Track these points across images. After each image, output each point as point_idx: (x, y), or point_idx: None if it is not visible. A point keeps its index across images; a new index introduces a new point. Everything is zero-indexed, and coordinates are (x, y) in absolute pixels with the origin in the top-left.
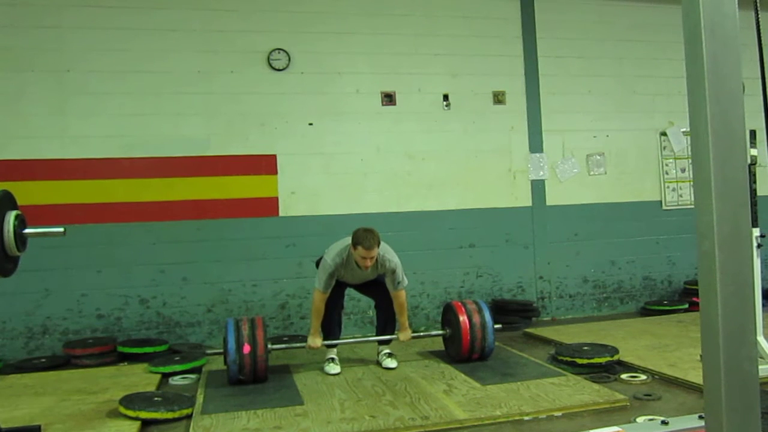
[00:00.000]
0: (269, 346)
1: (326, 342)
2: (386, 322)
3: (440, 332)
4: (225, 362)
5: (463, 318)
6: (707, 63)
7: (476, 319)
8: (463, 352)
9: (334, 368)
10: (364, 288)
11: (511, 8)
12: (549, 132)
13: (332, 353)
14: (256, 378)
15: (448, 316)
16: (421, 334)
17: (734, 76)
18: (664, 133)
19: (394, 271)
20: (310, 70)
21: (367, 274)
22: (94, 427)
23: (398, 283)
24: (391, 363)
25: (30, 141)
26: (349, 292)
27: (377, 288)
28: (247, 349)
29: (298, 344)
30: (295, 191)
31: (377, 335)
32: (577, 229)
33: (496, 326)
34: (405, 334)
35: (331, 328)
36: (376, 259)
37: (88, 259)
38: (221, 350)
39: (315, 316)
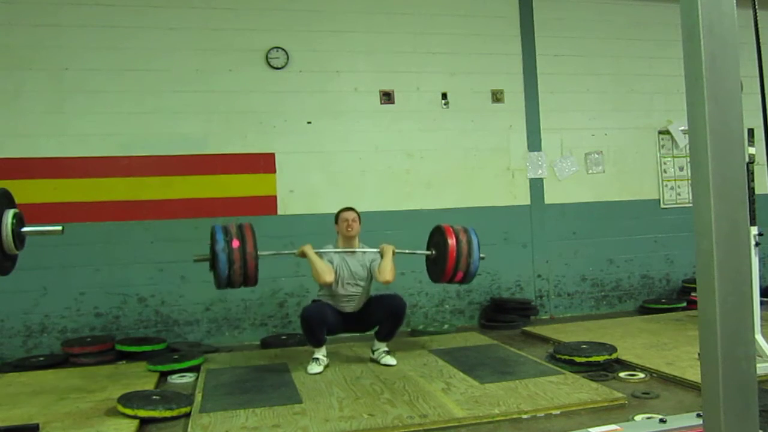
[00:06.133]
0: (258, 252)
1: (318, 250)
2: (390, 330)
3: (426, 252)
4: (212, 266)
5: (451, 241)
6: (706, 61)
7: (462, 236)
8: (447, 271)
9: (314, 368)
10: (364, 319)
11: (510, 7)
12: (547, 130)
13: (320, 353)
14: (246, 278)
15: (436, 238)
16: (406, 251)
17: (732, 75)
18: (662, 132)
19: (374, 260)
20: (309, 68)
21: (357, 264)
22: (93, 426)
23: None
24: (390, 360)
25: (28, 139)
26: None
27: (378, 313)
28: (236, 243)
29: (287, 251)
30: (293, 190)
31: (377, 337)
32: (576, 228)
33: (481, 256)
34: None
35: (319, 333)
36: (360, 243)
37: (86, 257)
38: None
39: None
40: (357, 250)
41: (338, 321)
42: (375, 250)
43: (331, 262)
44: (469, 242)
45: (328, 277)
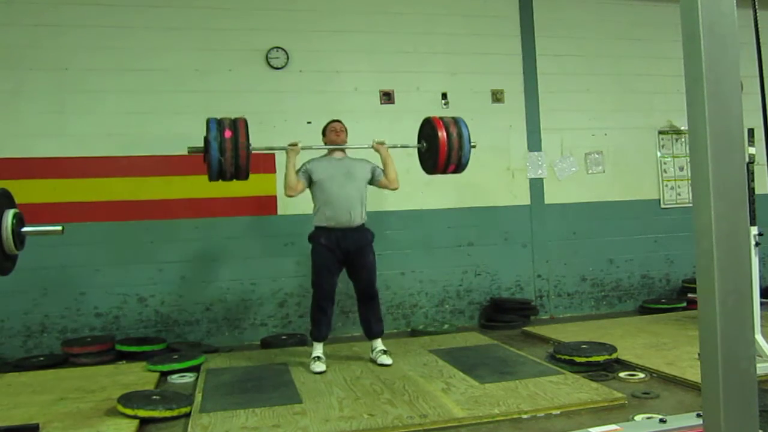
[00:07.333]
0: (251, 146)
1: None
2: (371, 320)
3: (417, 145)
4: (205, 158)
5: (441, 134)
6: (705, 61)
7: (453, 129)
8: (439, 164)
9: (319, 366)
10: (353, 267)
11: (510, 6)
12: (547, 130)
13: (318, 351)
14: (237, 169)
15: (426, 131)
16: (398, 146)
17: (732, 75)
18: (662, 132)
19: (374, 168)
20: (309, 68)
21: (346, 168)
22: (93, 426)
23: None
24: (386, 360)
25: (28, 139)
26: (348, 290)
27: (364, 275)
28: (228, 133)
29: (279, 147)
30: None
31: (367, 336)
32: (576, 228)
33: (472, 144)
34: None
35: (320, 327)
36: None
37: (86, 257)
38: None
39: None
40: (346, 156)
41: (336, 270)
42: (361, 158)
43: (312, 173)
44: (460, 135)
45: (291, 192)
